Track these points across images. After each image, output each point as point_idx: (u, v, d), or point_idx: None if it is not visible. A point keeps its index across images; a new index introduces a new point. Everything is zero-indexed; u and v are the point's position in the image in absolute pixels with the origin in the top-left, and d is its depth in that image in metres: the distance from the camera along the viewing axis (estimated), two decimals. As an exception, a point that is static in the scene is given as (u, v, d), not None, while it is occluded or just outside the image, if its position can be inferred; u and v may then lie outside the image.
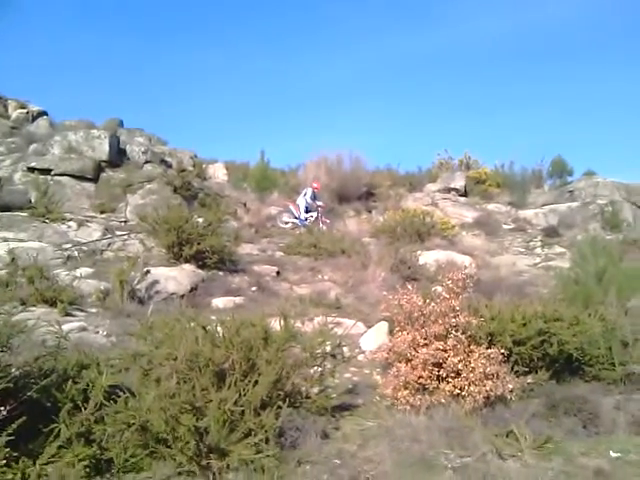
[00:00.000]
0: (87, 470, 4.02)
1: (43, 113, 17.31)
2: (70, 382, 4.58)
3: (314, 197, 17.07)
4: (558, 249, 15.55)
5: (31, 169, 13.94)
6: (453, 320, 6.31)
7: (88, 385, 4.59)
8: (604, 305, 8.04)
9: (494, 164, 22.76)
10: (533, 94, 60.28)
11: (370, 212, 18.78)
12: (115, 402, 4.47)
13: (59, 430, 4.00)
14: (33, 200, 12.90)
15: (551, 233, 16.99)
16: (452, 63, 64.16)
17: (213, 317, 7.03)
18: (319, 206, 16.94)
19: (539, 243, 16.34)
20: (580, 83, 58.66)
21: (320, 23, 66.25)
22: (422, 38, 62.59)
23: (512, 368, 6.51)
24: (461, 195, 20.09)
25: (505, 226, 17.96)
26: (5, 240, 10.82)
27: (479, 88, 62.55)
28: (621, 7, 56.81)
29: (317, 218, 16.63)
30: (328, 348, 6.17)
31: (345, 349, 6.87)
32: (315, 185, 17.43)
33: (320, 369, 5.97)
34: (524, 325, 6.98)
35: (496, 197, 20.32)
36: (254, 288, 10.85)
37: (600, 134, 53.50)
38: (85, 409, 4.27)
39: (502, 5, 60.40)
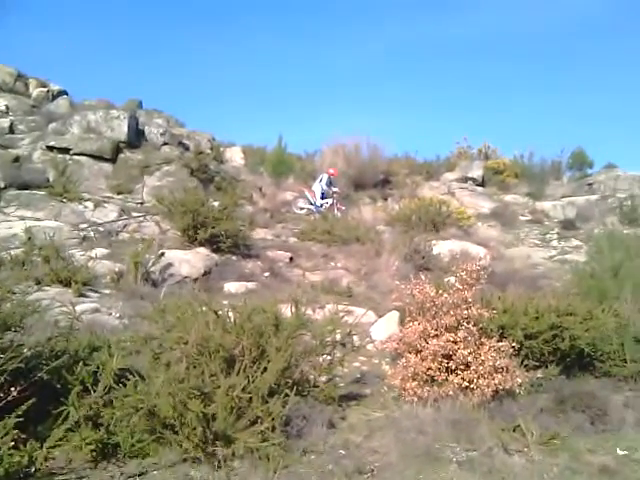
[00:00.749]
0: (93, 454, 4.08)
1: (63, 92, 17.39)
2: (81, 364, 4.61)
3: (330, 183, 17.00)
4: (575, 242, 15.40)
5: (50, 148, 14.00)
6: (465, 312, 6.27)
7: (98, 367, 4.63)
8: (619, 301, 7.97)
9: (513, 154, 22.52)
10: (555, 85, 59.30)
11: (386, 200, 18.65)
12: (124, 385, 4.51)
13: (68, 413, 4.05)
14: (51, 179, 13.00)
15: (568, 226, 16.81)
16: (474, 50, 63.21)
17: (225, 302, 7.08)
18: (335, 192, 16.88)
19: (555, 236, 16.19)
20: (603, 74, 57.55)
21: (341, 7, 65.57)
22: (445, 24, 61.72)
23: (522, 362, 6.48)
24: (478, 185, 19.90)
25: (522, 217, 17.79)
26: (22, 219, 10.93)
27: (501, 77, 61.66)
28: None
29: (332, 204, 16.57)
30: (338, 336, 6.18)
31: (355, 338, 6.88)
32: (332, 171, 17.35)
33: (329, 357, 5.98)
34: (536, 319, 6.95)
35: (514, 188, 20.08)
36: (267, 274, 10.88)
37: (621, 127, 52.56)
38: (94, 392, 4.31)
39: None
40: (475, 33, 62.52)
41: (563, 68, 60.33)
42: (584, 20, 58.95)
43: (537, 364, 6.70)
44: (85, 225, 11.40)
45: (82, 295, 8.17)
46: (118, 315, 7.64)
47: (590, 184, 19.47)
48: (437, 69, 64.16)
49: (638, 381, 6.79)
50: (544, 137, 49.62)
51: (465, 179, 19.98)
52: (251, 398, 4.71)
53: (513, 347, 6.24)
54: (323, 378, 5.86)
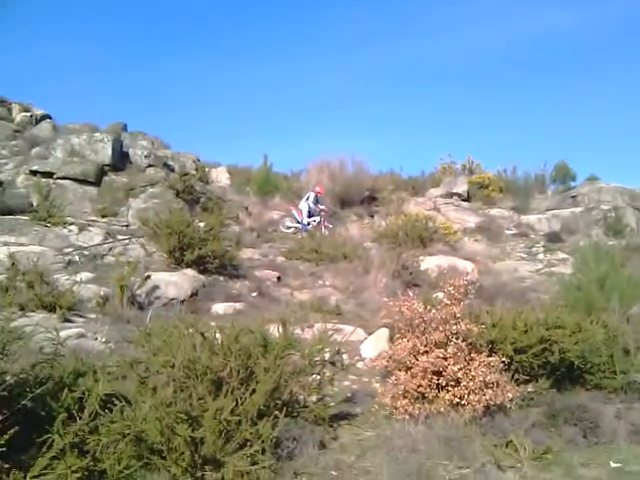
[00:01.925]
0: (79, 482, 3.98)
1: (46, 116, 17.32)
2: (66, 390, 4.50)
3: (317, 201, 17.04)
4: (561, 255, 15.47)
5: (33, 172, 13.90)
6: (454, 327, 6.28)
7: (84, 393, 4.52)
8: (606, 312, 7.99)
9: (497, 169, 22.72)
10: (537, 99, 60.14)
11: (372, 217, 18.69)
12: (111, 411, 4.42)
13: (52, 441, 3.94)
14: (35, 204, 12.88)
15: (554, 239, 16.90)
16: (457, 68, 64.11)
17: (213, 323, 7.01)
18: (322, 210, 16.91)
19: (541, 249, 16.25)
20: (584, 89, 58.50)
21: (323, 26, 66.29)
22: (427, 43, 62.54)
23: (512, 376, 6.47)
24: (464, 200, 20.01)
25: (507, 231, 17.87)
26: (6, 244, 10.78)
27: (484, 92, 62.48)
28: (621, 15, 56.71)
29: (320, 222, 16.59)
30: (327, 355, 6.14)
31: (344, 356, 6.85)
32: (318, 189, 17.39)
33: (319, 377, 5.93)
34: (525, 332, 6.94)
35: (499, 202, 20.21)
36: (255, 294, 10.81)
37: (604, 139, 53.32)
38: (80, 419, 4.21)
39: (509, 13, 60.28)
40: (457, 53, 63.44)
41: (543, 82, 61.22)
42: (564, 35, 60.03)
43: (527, 378, 6.70)
44: (70, 249, 11.27)
45: (67, 320, 8.05)
46: (104, 340, 7.53)
47: (574, 197, 19.61)
48: (420, 88, 64.84)
49: (628, 393, 6.77)
50: (527, 151, 50.22)
51: (450, 194, 20.08)
52: (240, 421, 4.64)
53: (503, 362, 6.25)
54: (313, 398, 5.81)
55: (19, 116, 16.85)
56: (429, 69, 65.11)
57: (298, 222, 16.68)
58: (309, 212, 16.80)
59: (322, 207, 17.03)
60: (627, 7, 54.38)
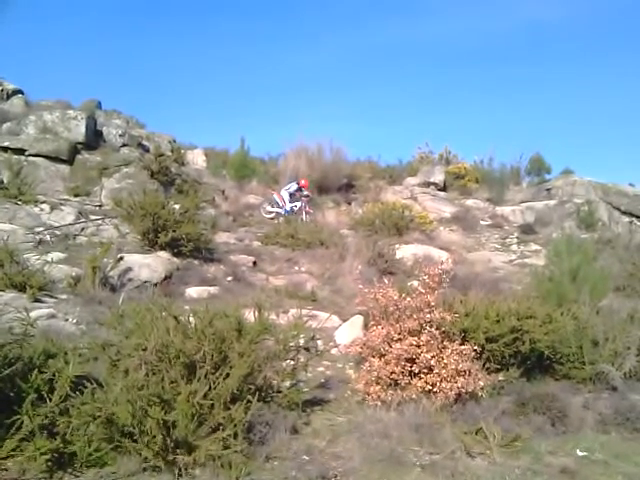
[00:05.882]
0: (49, 464, 3.92)
1: (18, 91, 16.85)
2: (36, 371, 4.45)
3: (299, 190, 16.87)
4: (534, 246, 15.65)
5: (4, 149, 13.56)
6: (428, 315, 6.33)
7: (54, 375, 4.47)
8: (577, 304, 8.12)
9: (473, 159, 22.82)
10: (514, 91, 60.58)
11: (349, 204, 18.67)
12: (81, 393, 4.37)
13: (21, 422, 3.88)
14: (5, 181, 12.59)
15: (527, 230, 17.08)
16: (437, 56, 64.20)
17: (186, 307, 6.97)
18: (304, 196, 16.74)
19: (515, 240, 16.43)
20: (561, 82, 59.07)
21: (304, 8, 65.73)
22: (405, 29, 62.47)
23: (484, 365, 6.56)
24: (440, 190, 20.07)
25: (482, 222, 18.01)
26: (-25, 221, 10.56)
27: (461, 82, 62.64)
28: (602, 11, 57.31)
29: (301, 207, 16.45)
30: (302, 341, 6.13)
31: (319, 342, 6.86)
32: (303, 182, 17.08)
33: (293, 362, 5.92)
34: (497, 322, 7.01)
35: (474, 193, 20.32)
36: (230, 278, 10.74)
37: (579, 133, 54.01)
38: (50, 400, 4.15)
39: (488, 4, 60.51)
40: (436, 38, 63.49)
41: (521, 75, 61.65)
42: (544, 26, 60.48)
43: (498, 367, 6.79)
44: (41, 228, 11.06)
45: (37, 300, 7.89)
46: (75, 321, 7.42)
47: (548, 189, 19.82)
48: (398, 74, 64.79)
49: (596, 383, 6.92)
50: (503, 142, 50.55)
51: (427, 184, 20.13)
52: (213, 405, 4.62)
53: (475, 350, 6.32)
54: (286, 383, 5.82)
55: (-12, 90, 16.39)
56: (410, 54, 65.01)
57: (280, 207, 16.53)
58: (290, 195, 16.65)
59: (305, 193, 16.85)
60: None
